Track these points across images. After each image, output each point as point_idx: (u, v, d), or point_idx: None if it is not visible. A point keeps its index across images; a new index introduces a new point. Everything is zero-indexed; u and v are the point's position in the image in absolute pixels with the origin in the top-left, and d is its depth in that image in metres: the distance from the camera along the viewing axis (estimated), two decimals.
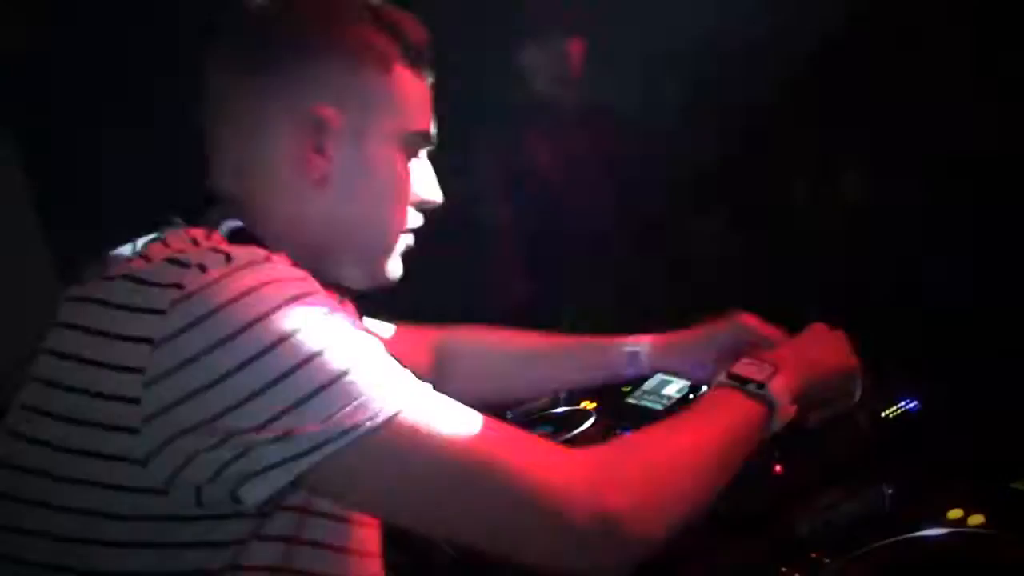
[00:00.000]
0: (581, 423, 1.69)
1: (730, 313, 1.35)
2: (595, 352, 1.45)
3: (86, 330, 0.89)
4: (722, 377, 1.10)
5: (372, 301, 1.13)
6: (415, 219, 1.11)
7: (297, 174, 1.01)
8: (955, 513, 1.20)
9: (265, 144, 1.01)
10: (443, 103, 1.12)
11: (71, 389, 0.88)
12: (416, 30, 1.07)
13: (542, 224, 2.53)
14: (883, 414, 1.45)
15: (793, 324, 1.29)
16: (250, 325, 0.84)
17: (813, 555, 1.23)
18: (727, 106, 1.98)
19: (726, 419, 1.05)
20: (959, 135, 1.64)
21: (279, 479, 0.84)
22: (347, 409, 0.84)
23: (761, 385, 1.07)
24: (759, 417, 1.07)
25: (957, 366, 1.47)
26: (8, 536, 0.91)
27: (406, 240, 1.11)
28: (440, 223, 1.15)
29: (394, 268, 1.10)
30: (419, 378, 0.91)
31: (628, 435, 1.01)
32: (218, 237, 0.97)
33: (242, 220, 1.00)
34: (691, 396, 1.67)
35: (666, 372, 1.51)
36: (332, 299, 0.91)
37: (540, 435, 1.04)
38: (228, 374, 0.83)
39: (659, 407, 1.69)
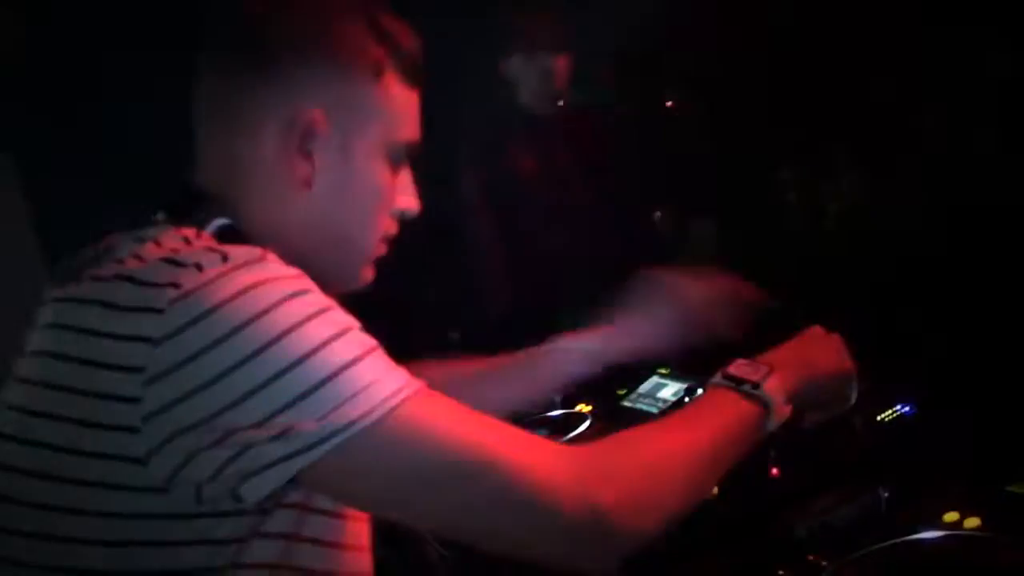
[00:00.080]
0: (576, 426, 1.70)
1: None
2: (543, 360, 1.40)
3: (81, 331, 0.89)
4: (717, 378, 1.11)
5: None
6: (392, 227, 1.11)
7: (281, 176, 1.01)
8: (951, 516, 1.21)
9: (253, 144, 1.01)
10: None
11: (69, 390, 0.88)
12: (410, 39, 1.06)
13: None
14: (879, 417, 1.46)
15: (791, 327, 1.29)
16: (248, 323, 0.84)
17: (810, 557, 1.23)
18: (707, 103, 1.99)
19: (720, 418, 1.05)
20: (958, 138, 1.65)
21: (279, 476, 0.84)
22: (346, 405, 0.84)
23: (756, 385, 1.07)
24: (754, 417, 1.07)
25: (952, 369, 1.48)
26: (8, 539, 0.90)
27: (380, 247, 1.11)
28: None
29: (366, 274, 1.10)
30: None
31: (620, 432, 1.01)
32: (208, 236, 0.97)
33: (228, 219, 1.00)
34: (686, 399, 1.67)
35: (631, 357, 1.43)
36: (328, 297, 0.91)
37: None
38: (227, 372, 0.83)
39: (654, 410, 1.69)
